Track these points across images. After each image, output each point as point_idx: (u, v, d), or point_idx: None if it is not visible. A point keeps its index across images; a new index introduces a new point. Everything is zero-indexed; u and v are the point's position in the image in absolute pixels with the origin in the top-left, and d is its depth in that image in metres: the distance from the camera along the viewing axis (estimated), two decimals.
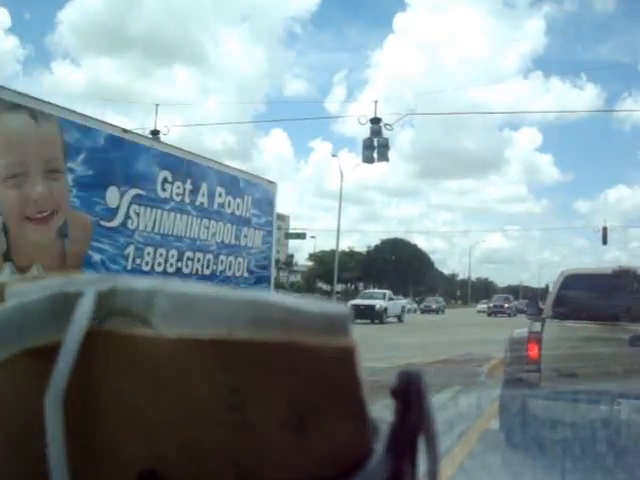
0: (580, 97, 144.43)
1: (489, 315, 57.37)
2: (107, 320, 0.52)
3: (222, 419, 0.52)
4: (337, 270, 64.55)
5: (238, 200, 10.81)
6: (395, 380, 0.60)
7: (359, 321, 33.07)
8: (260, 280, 11.41)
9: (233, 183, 10.74)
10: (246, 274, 11.12)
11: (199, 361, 0.51)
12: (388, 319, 37.75)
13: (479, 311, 66.96)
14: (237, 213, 10.79)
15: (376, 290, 51.49)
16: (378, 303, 38.53)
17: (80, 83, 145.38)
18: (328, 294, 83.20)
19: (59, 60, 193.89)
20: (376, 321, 35.49)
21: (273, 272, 13.12)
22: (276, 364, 0.51)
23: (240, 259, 10.94)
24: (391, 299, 41.76)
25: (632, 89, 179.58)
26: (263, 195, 11.58)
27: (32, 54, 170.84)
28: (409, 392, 0.55)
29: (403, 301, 47.04)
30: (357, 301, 39.01)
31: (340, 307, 0.53)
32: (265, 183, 11.99)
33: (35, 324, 0.52)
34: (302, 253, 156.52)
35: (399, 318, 40.30)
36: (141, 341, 0.51)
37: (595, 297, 7.45)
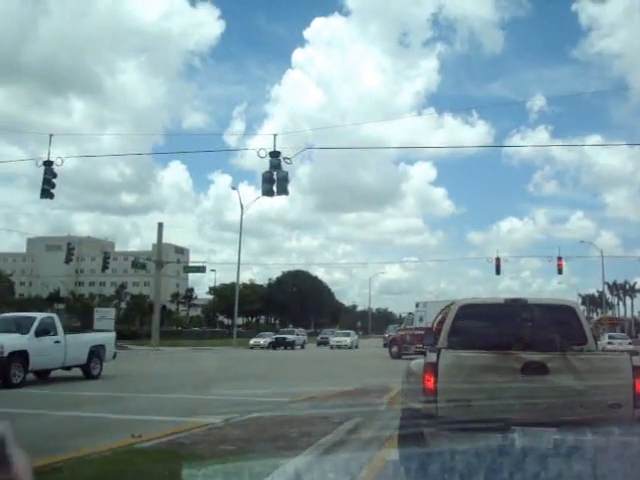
0: (471, 133, 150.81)
1: (385, 346, 57.49)
2: None
3: None
4: (238, 303, 64.13)
5: None
6: None
7: (280, 347, 56.79)
8: None
9: None
10: None
11: None
12: (296, 347, 58.82)
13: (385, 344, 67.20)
14: None
15: (289, 328, 72.12)
16: (290, 337, 61.17)
17: None
18: (229, 328, 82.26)
19: None
20: (289, 348, 57.58)
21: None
22: None
23: None
24: (297, 334, 63.25)
25: (520, 125, 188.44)
26: None
27: None
28: None
29: (304, 336, 65.88)
30: (278, 335, 62.87)
31: None
32: None
33: None
34: (202, 286, 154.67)
35: (302, 346, 60.55)
36: None
37: (488, 327, 7.63)
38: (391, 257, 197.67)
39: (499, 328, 7.53)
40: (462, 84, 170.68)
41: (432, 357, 6.76)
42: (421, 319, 37.19)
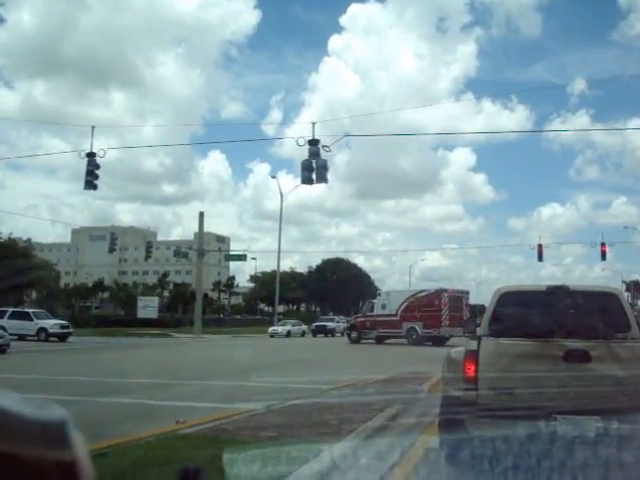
0: (511, 118, 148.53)
1: None
2: None
3: None
4: (278, 291, 64.40)
5: None
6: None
7: (320, 335, 54.61)
8: None
9: None
10: None
11: None
12: (336, 334, 55.02)
13: None
14: None
15: (329, 316, 68.82)
16: (330, 324, 59.32)
17: (14, 106, 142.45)
18: (270, 315, 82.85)
19: None
20: (329, 335, 55.02)
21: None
22: None
23: None
24: (338, 322, 60.33)
25: (560, 110, 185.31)
26: None
27: None
28: None
29: (345, 323, 59.31)
30: (318, 322, 61.07)
31: (59, 412, 0.48)
32: None
33: None
34: (243, 275, 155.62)
35: (342, 334, 52.63)
36: None
37: (530, 314, 7.56)
38: (431, 244, 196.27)
39: (541, 315, 7.46)
40: (501, 69, 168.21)
41: (473, 345, 6.75)
42: (384, 307, 39.67)
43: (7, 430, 0.44)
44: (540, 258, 53.48)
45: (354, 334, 41.23)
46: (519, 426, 5.87)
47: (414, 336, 38.11)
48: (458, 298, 40.01)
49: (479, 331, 7.54)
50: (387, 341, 39.01)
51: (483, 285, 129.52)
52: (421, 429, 8.55)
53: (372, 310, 40.90)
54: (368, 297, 57.32)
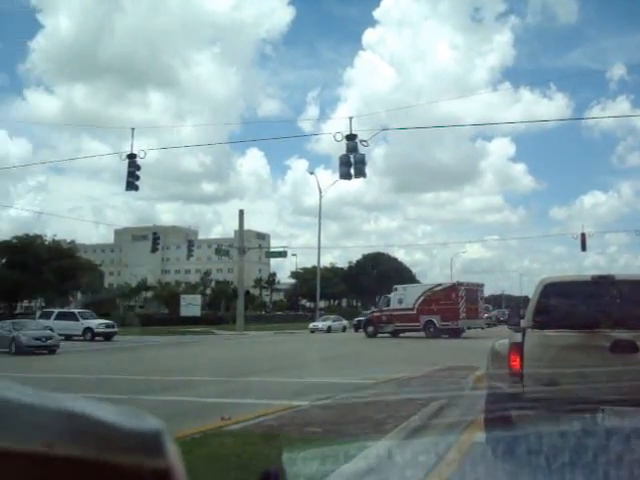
0: (550, 106, 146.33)
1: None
2: None
3: None
4: (319, 286, 64.50)
5: None
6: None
7: (361, 330, 45.86)
8: None
9: None
10: None
11: (19, 475, 0.48)
12: None
13: None
14: None
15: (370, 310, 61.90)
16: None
17: (54, 109, 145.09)
18: (311, 311, 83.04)
19: (32, 87, 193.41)
20: None
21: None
22: None
23: None
24: None
25: (600, 96, 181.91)
26: None
27: (5, 83, 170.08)
28: None
29: None
30: (359, 317, 55.06)
31: (154, 422, 0.51)
32: None
33: None
34: (284, 271, 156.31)
35: None
36: None
37: (575, 305, 7.45)
38: (472, 236, 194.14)
39: (586, 306, 7.35)
40: (538, 56, 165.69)
41: (517, 337, 6.68)
42: (400, 301, 40.57)
43: (107, 440, 0.47)
44: (583, 247, 52.66)
45: (370, 328, 41.74)
46: (565, 419, 5.80)
47: (432, 329, 38.72)
48: (474, 291, 41.03)
49: (523, 323, 7.46)
50: (403, 334, 39.47)
51: (526, 276, 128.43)
52: (466, 424, 8.49)
53: (388, 305, 41.64)
54: None
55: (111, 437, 0.47)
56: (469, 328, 38.87)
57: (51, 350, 28.15)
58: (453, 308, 38.63)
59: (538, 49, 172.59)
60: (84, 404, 0.49)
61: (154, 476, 0.48)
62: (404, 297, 40.85)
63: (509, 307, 40.28)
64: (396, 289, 43.15)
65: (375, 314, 43.28)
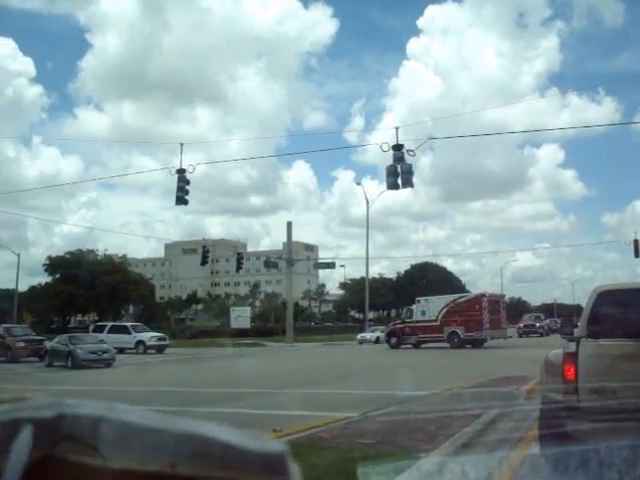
0: (598, 110, 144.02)
1: (520, 336, 56.25)
2: (55, 447, 0.53)
3: None
4: (368, 297, 64.31)
5: None
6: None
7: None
8: None
9: None
10: None
11: None
12: None
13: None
14: None
15: None
16: None
17: (104, 127, 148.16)
18: (360, 322, 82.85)
19: (82, 106, 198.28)
20: None
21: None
22: None
23: None
24: None
25: None
26: None
27: (56, 101, 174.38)
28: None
29: None
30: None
31: (278, 444, 0.53)
32: None
33: None
34: (333, 282, 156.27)
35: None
36: (88, 469, 0.52)
37: (630, 313, 7.30)
38: (522, 244, 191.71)
39: None
40: (585, 61, 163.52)
41: (571, 347, 6.58)
42: (423, 313, 41.50)
43: (231, 460, 0.49)
44: (637, 254, 51.45)
45: (393, 340, 42.58)
46: (622, 430, 5.67)
47: (456, 339, 39.53)
48: (496, 302, 42.41)
49: (577, 332, 7.34)
50: (426, 345, 40.23)
51: (578, 284, 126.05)
52: (520, 435, 8.37)
53: (411, 316, 42.56)
54: None
55: (235, 458, 0.50)
56: (492, 338, 39.92)
57: (108, 364, 28.54)
58: (477, 319, 39.44)
59: (585, 53, 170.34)
60: (206, 426, 0.51)
61: None
62: (427, 309, 41.67)
63: (561, 316, 39.78)
64: (419, 301, 43.94)
65: (398, 326, 44.07)
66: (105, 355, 28.83)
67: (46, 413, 0.53)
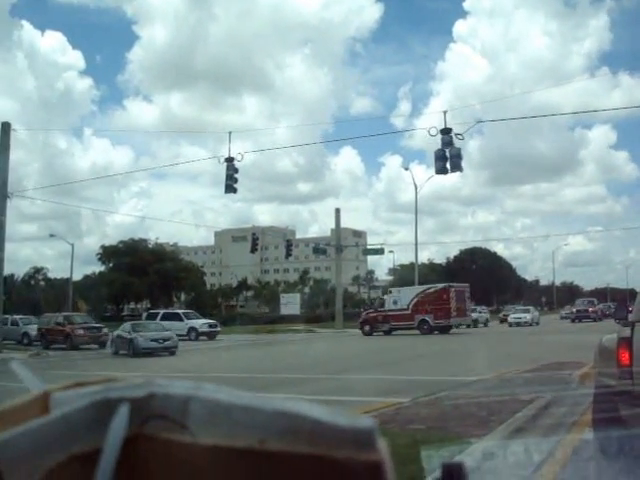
0: None
1: (573, 321, 55.34)
2: (146, 425, 0.56)
3: None
4: (418, 283, 64.04)
5: None
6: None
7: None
8: None
9: None
10: None
11: (233, 470, 0.54)
12: (479, 325, 54.09)
13: (563, 317, 65.06)
14: None
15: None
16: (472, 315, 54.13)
17: (153, 117, 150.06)
18: None
19: (131, 97, 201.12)
20: (470, 326, 48.85)
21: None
22: (305, 477, 0.53)
23: None
24: (480, 312, 59.17)
25: None
26: None
27: (105, 93, 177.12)
28: None
29: (487, 313, 64.09)
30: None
31: (368, 420, 0.55)
32: None
33: (78, 432, 0.57)
34: (381, 268, 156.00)
35: (484, 324, 57.23)
36: (178, 446, 0.55)
37: None
38: (573, 228, 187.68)
39: None
40: (636, 39, 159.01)
41: (626, 331, 6.47)
42: (395, 302, 44.53)
43: (319, 436, 0.51)
44: None
45: (367, 327, 45.13)
46: None
47: (425, 327, 42.57)
48: (462, 292, 45.05)
49: (631, 317, 7.21)
50: (396, 332, 42.93)
51: (631, 268, 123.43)
52: (572, 422, 8.28)
53: (383, 306, 45.83)
54: (510, 286, 57.68)
55: (325, 434, 0.51)
56: (459, 325, 43.99)
57: (171, 351, 28.15)
58: (445, 307, 42.64)
59: (636, 31, 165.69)
60: (295, 404, 0.52)
61: (366, 469, 0.52)
62: (399, 299, 44.68)
63: (615, 300, 39.09)
64: (390, 291, 48.24)
65: (371, 314, 46.75)
66: (167, 343, 28.43)
67: (138, 393, 0.55)
